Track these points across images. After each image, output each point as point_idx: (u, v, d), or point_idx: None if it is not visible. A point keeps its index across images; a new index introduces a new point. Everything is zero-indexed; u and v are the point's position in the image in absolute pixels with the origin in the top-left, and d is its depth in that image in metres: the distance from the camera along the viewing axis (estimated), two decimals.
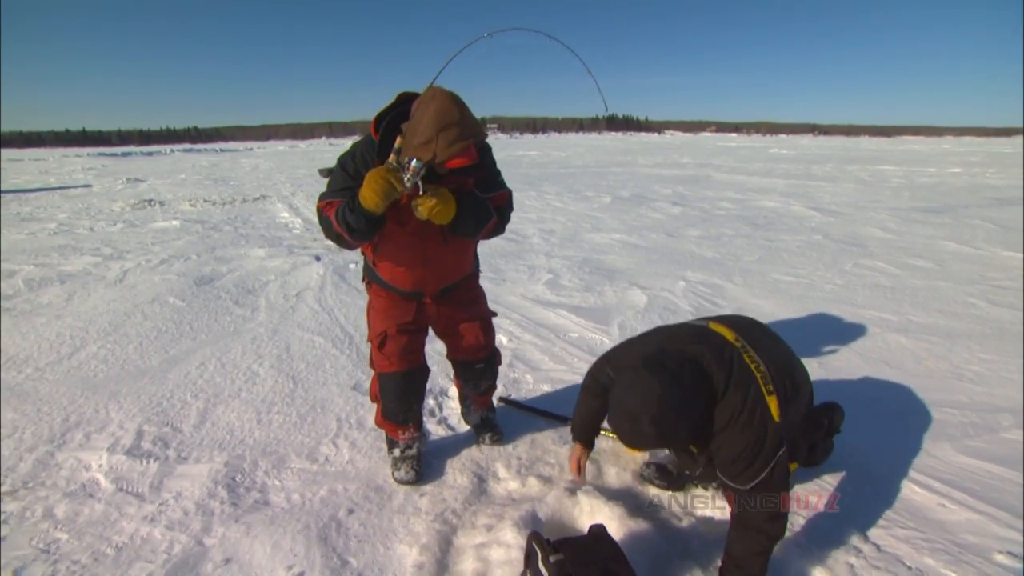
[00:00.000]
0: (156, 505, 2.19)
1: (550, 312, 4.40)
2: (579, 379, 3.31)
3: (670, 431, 1.51)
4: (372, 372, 2.30)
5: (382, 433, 2.69)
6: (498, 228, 2.13)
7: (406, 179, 1.72)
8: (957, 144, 53.05)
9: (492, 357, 2.48)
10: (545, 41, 2.33)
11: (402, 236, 2.05)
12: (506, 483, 2.29)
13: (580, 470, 2.13)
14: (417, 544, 1.92)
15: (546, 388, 3.17)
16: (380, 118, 1.86)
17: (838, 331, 3.86)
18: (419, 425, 2.38)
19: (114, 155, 43.69)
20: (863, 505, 2.10)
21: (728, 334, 1.79)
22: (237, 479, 2.35)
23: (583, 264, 5.90)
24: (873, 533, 1.95)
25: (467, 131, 1.71)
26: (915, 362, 3.36)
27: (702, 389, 1.57)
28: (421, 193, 1.78)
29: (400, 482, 2.29)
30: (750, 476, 1.58)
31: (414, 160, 1.70)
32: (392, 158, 1.75)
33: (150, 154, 45.80)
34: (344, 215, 1.81)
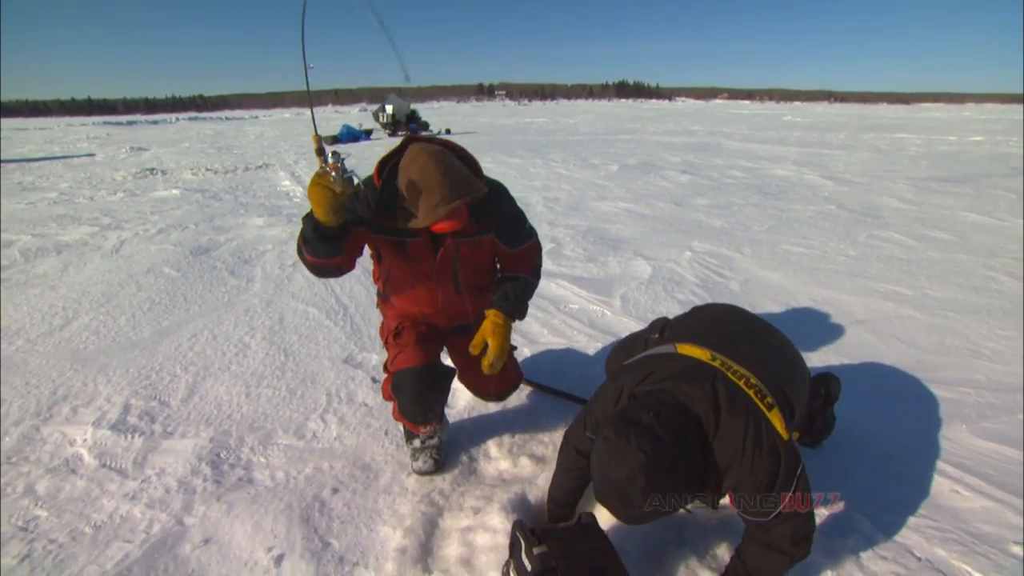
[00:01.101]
0: (138, 482, 2.13)
1: (551, 283, 4.27)
2: (578, 352, 3.27)
3: (669, 496, 1.28)
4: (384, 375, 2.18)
5: (372, 407, 2.63)
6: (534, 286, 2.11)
7: (333, 180, 1.56)
8: (979, 111, 51.29)
9: (509, 391, 2.37)
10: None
11: (412, 277, 1.98)
12: (497, 463, 2.21)
13: None
14: (401, 527, 1.85)
15: (544, 362, 3.07)
16: (383, 163, 1.81)
17: (849, 306, 3.70)
18: (440, 418, 2.16)
19: (119, 124, 43.42)
20: (872, 490, 1.99)
21: (702, 354, 1.56)
22: (222, 455, 2.29)
23: (587, 233, 5.74)
24: (882, 520, 1.85)
25: (452, 193, 1.64)
26: (929, 338, 3.21)
27: (691, 434, 1.35)
28: (355, 184, 1.65)
29: (419, 472, 2.12)
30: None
31: (329, 155, 1.58)
32: (319, 162, 1.60)
33: (155, 123, 45.48)
34: (301, 230, 1.73)
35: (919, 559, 1.71)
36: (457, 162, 1.74)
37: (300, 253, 1.81)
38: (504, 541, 1.67)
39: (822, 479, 2.04)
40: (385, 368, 2.16)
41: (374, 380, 2.87)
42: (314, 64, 1.94)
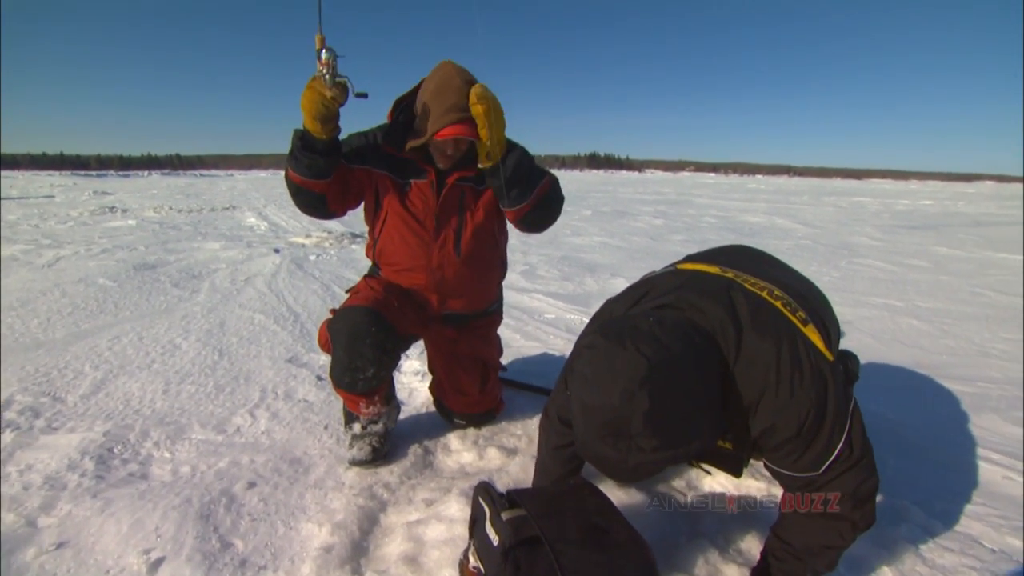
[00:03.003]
0: None
1: (525, 296, 3.96)
2: (554, 355, 2.91)
3: (679, 428, 0.89)
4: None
5: (313, 403, 2.20)
6: (553, 198, 1.74)
7: (326, 77, 1.40)
8: (923, 186, 54.87)
9: (486, 415, 2.01)
10: None
11: (409, 230, 1.70)
12: (459, 455, 1.80)
13: None
14: (330, 523, 1.41)
15: (518, 363, 2.70)
16: (398, 103, 1.68)
17: (842, 315, 3.45)
18: (387, 398, 1.80)
19: (88, 175, 42.77)
20: (916, 479, 1.66)
21: (711, 269, 1.23)
22: (115, 450, 1.82)
23: (562, 260, 5.50)
24: (938, 508, 1.51)
25: (466, 102, 1.48)
26: (933, 342, 2.98)
27: (706, 351, 0.97)
28: (351, 90, 1.45)
29: (354, 463, 1.72)
30: (820, 453, 1.01)
31: (324, 52, 1.38)
32: (318, 64, 1.40)
33: (127, 176, 44.96)
34: (290, 143, 1.55)
35: (992, 551, 1.35)
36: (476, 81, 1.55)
37: (289, 187, 1.64)
38: (462, 532, 1.26)
39: None
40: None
41: (320, 378, 2.45)
42: None
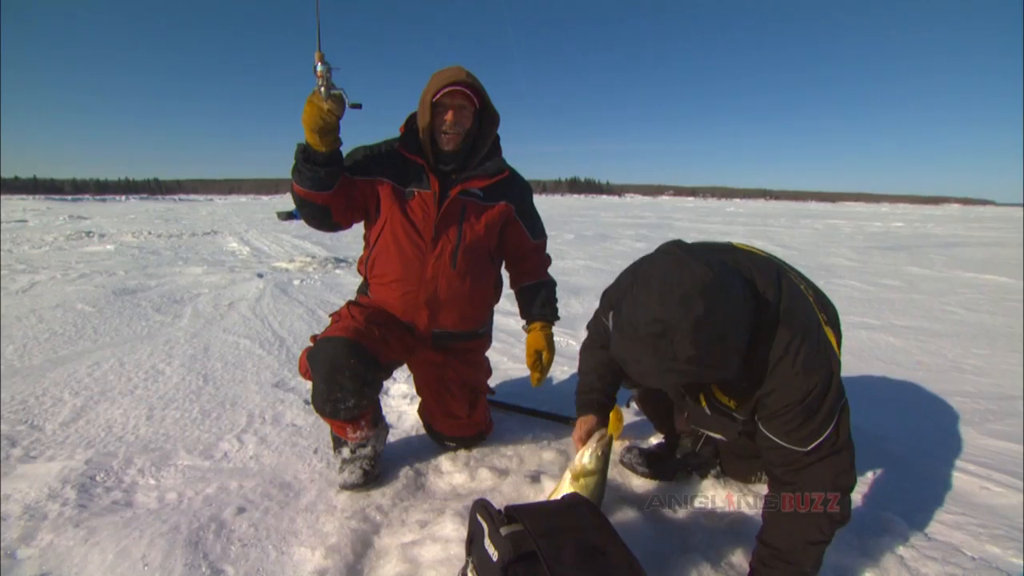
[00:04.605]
0: None
1: (511, 319, 3.97)
2: None
3: (716, 348, 0.97)
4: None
5: (302, 427, 2.18)
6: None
7: (321, 90, 1.46)
8: (894, 208, 56.82)
9: (476, 438, 2.01)
10: None
11: (407, 240, 1.73)
12: (450, 476, 1.80)
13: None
14: (323, 546, 1.40)
15: (505, 385, 2.71)
16: (412, 117, 1.79)
17: None
18: (373, 422, 1.79)
19: (63, 200, 42.01)
20: (899, 491, 1.71)
21: (761, 252, 1.32)
22: (97, 478, 1.78)
23: None
24: (918, 520, 1.55)
25: (468, 78, 1.65)
26: (909, 358, 3.08)
27: (750, 300, 1.07)
28: (348, 101, 1.52)
29: (345, 486, 1.70)
30: (812, 431, 1.10)
31: (319, 65, 1.44)
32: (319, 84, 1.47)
33: (103, 200, 44.27)
34: (294, 156, 1.61)
35: (973, 558, 1.39)
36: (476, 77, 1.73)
37: (291, 188, 1.68)
38: (458, 551, 1.26)
39: None
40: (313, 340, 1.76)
41: (307, 402, 2.42)
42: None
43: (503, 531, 0.97)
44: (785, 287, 1.15)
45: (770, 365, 1.10)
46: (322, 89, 1.44)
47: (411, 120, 1.77)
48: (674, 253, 1.03)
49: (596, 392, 1.47)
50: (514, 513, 1.02)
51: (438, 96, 1.62)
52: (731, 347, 1.00)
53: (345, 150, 1.67)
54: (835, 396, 1.11)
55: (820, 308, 1.21)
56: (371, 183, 1.74)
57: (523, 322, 2.05)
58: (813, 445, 1.11)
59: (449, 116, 1.66)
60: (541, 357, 1.92)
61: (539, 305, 1.98)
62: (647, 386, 1.53)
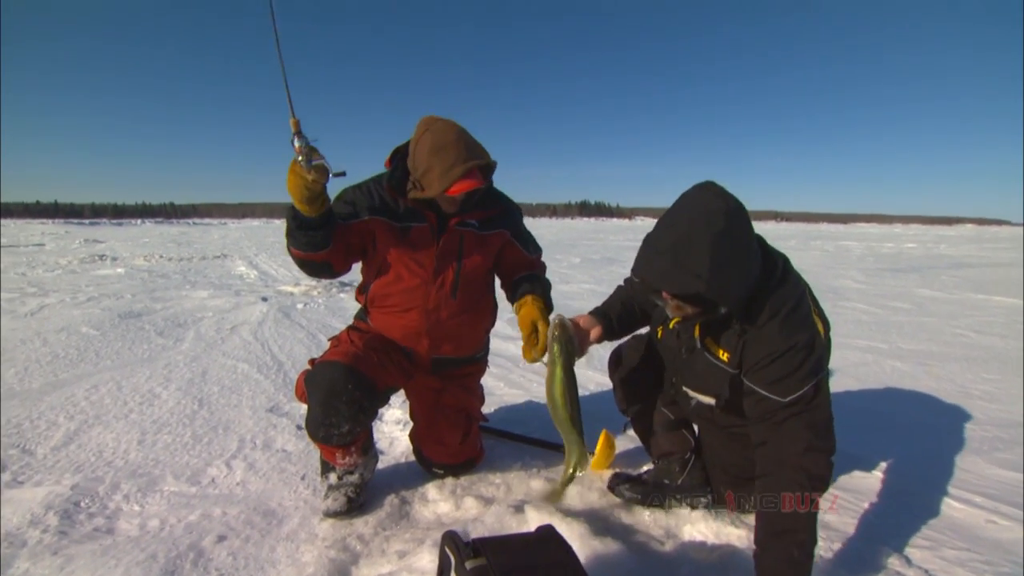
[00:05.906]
0: None
1: (510, 344, 3.95)
2: (538, 403, 2.88)
3: (725, 272, 1.15)
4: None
5: (292, 453, 2.16)
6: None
7: (301, 162, 1.40)
8: (907, 229, 56.34)
9: (465, 465, 1.98)
10: None
11: (407, 271, 1.75)
12: (435, 505, 1.76)
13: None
14: None
15: (500, 411, 2.68)
16: (396, 150, 1.75)
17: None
18: (364, 449, 1.78)
19: (81, 224, 42.99)
20: (898, 525, 1.63)
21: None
22: (82, 504, 1.76)
23: None
24: (917, 556, 1.48)
25: (468, 153, 1.58)
26: (916, 383, 3.00)
27: (760, 256, 1.27)
28: (331, 171, 1.46)
29: (328, 514, 1.68)
30: (793, 384, 1.24)
31: (296, 140, 1.39)
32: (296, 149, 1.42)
33: (120, 224, 45.23)
34: (286, 222, 1.59)
35: None
36: (467, 132, 1.66)
37: (289, 251, 1.66)
38: None
39: (837, 514, 1.68)
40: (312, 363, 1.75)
41: (299, 427, 2.41)
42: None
43: (468, 565, 0.94)
44: (790, 269, 1.33)
45: (763, 319, 1.26)
46: (302, 162, 1.40)
47: (397, 155, 1.74)
48: (708, 184, 1.21)
49: (606, 307, 1.73)
50: (480, 547, 0.99)
51: (453, 191, 1.58)
52: (737, 277, 1.18)
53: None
54: (816, 361, 1.25)
55: (814, 305, 1.36)
56: (365, 224, 1.73)
57: (514, 320, 1.95)
58: (792, 397, 1.24)
59: (460, 197, 1.66)
60: (537, 329, 1.72)
61: (529, 284, 1.84)
62: (656, 288, 1.36)
